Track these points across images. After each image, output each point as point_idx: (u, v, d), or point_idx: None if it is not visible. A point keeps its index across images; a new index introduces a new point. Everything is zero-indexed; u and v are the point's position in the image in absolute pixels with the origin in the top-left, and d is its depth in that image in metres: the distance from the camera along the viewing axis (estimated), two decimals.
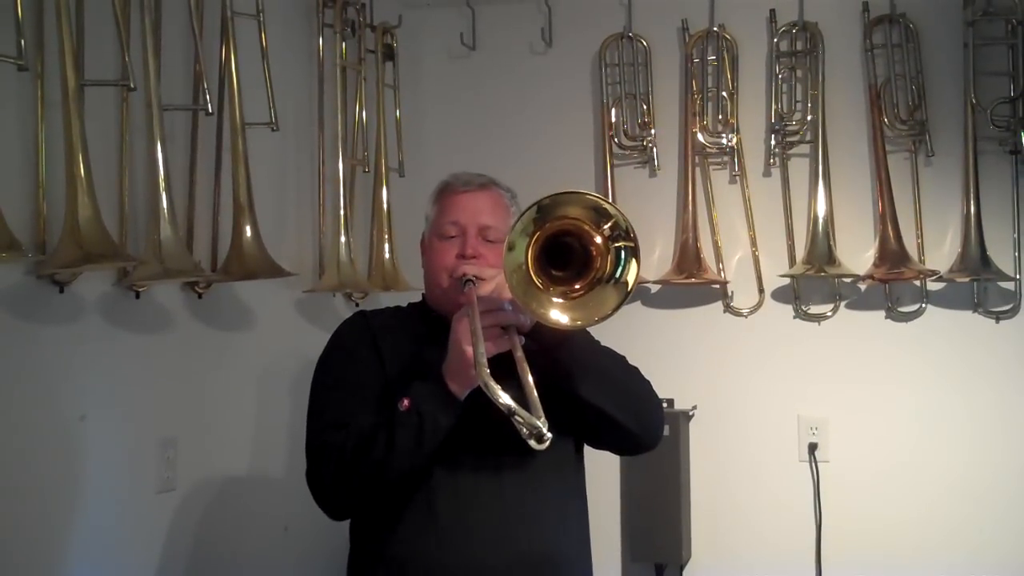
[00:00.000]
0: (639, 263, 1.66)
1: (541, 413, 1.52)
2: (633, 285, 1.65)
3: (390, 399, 1.77)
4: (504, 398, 1.51)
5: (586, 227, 1.64)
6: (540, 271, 1.65)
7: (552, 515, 1.87)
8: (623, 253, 1.65)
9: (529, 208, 1.61)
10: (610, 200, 1.71)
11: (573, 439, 1.96)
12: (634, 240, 1.64)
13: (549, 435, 1.50)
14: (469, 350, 1.65)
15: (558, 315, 1.64)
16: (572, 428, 1.89)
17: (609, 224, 1.64)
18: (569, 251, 1.67)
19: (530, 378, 1.61)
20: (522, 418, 1.50)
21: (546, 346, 1.73)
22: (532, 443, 1.50)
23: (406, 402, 1.72)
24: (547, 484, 1.86)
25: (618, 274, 1.65)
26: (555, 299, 1.65)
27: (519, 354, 1.66)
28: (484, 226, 1.89)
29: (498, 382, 1.56)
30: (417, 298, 2.07)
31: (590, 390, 1.81)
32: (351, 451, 1.76)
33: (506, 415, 1.51)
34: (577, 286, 1.66)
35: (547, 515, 1.85)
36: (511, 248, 1.61)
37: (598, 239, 1.65)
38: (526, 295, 1.63)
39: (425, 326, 1.94)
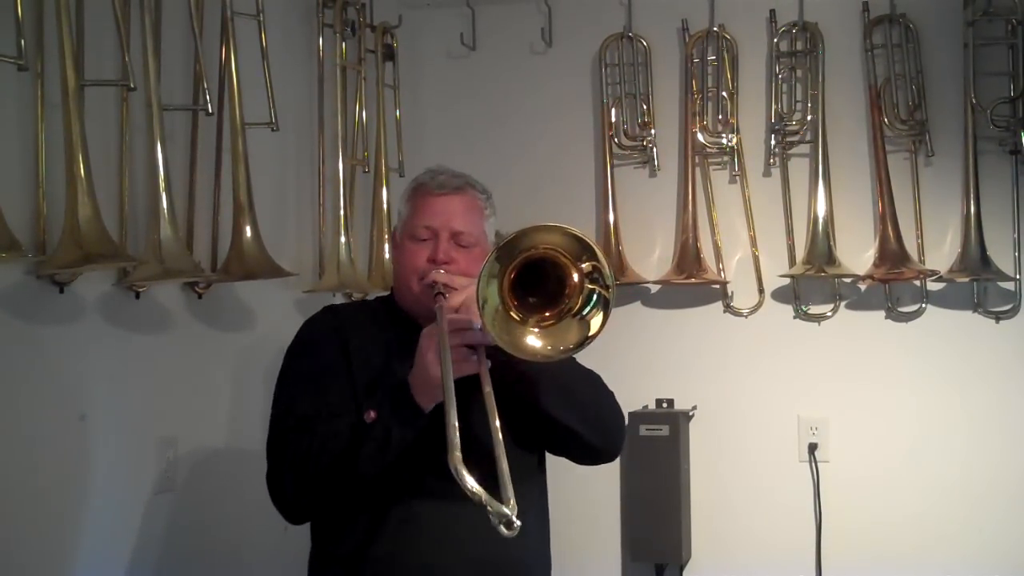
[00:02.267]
0: (607, 315, 1.63)
1: (510, 490, 1.47)
2: (596, 333, 1.63)
3: (356, 404, 1.77)
4: (472, 484, 1.44)
5: (563, 258, 1.63)
6: (516, 301, 1.63)
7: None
8: (595, 297, 1.63)
9: (490, 255, 1.60)
10: (595, 241, 1.69)
11: (536, 451, 1.95)
12: (610, 290, 1.62)
13: (518, 523, 1.45)
14: (434, 370, 1.64)
15: (533, 340, 1.63)
16: (535, 440, 1.90)
17: (591, 264, 1.62)
18: (543, 276, 1.65)
19: (497, 422, 1.59)
20: (492, 508, 1.45)
21: (512, 359, 1.68)
22: (502, 530, 1.45)
23: (372, 414, 1.71)
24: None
25: (585, 312, 1.63)
26: (531, 328, 1.64)
27: (488, 389, 1.64)
28: (457, 231, 1.87)
29: (462, 402, 1.55)
30: None
31: (555, 404, 1.80)
32: (314, 458, 1.74)
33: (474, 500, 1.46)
34: (548, 314, 1.65)
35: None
36: (484, 301, 1.59)
37: (575, 274, 1.63)
38: (508, 333, 1.61)
39: (393, 326, 1.92)
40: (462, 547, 1.79)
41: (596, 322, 1.63)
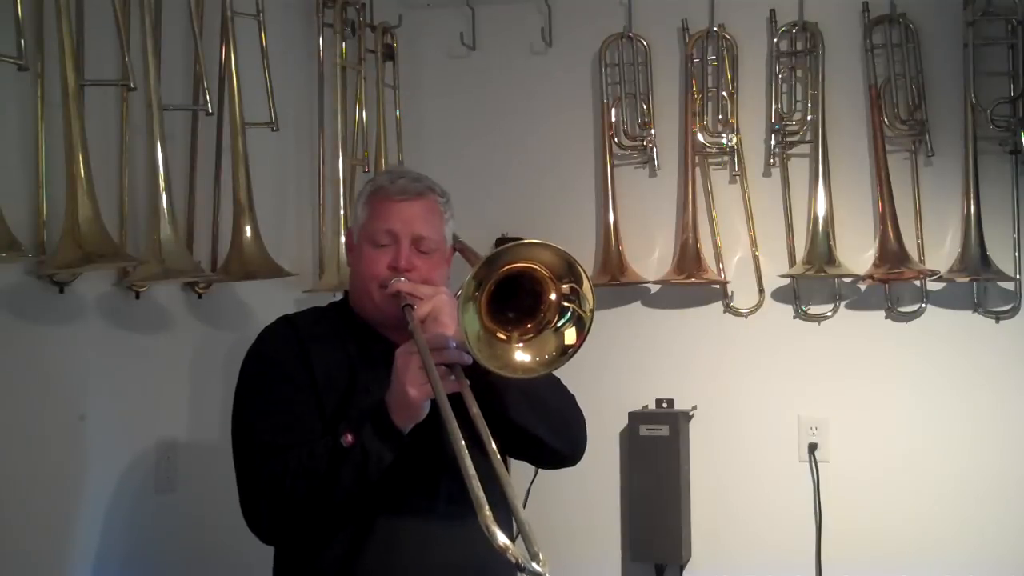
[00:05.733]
0: (581, 331, 1.63)
1: (536, 543, 1.45)
2: (575, 345, 1.63)
3: (324, 422, 1.75)
4: (503, 540, 1.42)
5: (541, 273, 1.61)
6: (496, 320, 1.62)
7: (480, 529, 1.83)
8: (568, 313, 1.63)
9: (467, 279, 1.58)
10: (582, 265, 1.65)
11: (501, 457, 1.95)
12: (588, 312, 1.62)
13: None
14: (414, 392, 1.62)
15: (521, 355, 1.63)
16: (500, 447, 1.85)
17: (570, 286, 1.62)
18: (519, 289, 1.63)
19: (493, 444, 1.58)
20: (524, 566, 1.42)
21: (479, 369, 1.65)
22: None
23: (349, 437, 1.66)
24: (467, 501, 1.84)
25: (560, 324, 1.63)
26: (516, 344, 1.63)
27: (475, 410, 1.62)
28: (419, 236, 1.83)
29: (432, 422, 1.55)
30: None
31: (523, 413, 1.79)
32: (290, 484, 1.70)
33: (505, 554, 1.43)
34: (528, 326, 1.64)
35: (476, 528, 1.66)
36: (466, 328, 1.57)
37: (552, 293, 1.62)
38: (496, 356, 1.61)
39: (352, 336, 1.88)
40: (444, 561, 1.77)
41: (571, 335, 1.63)
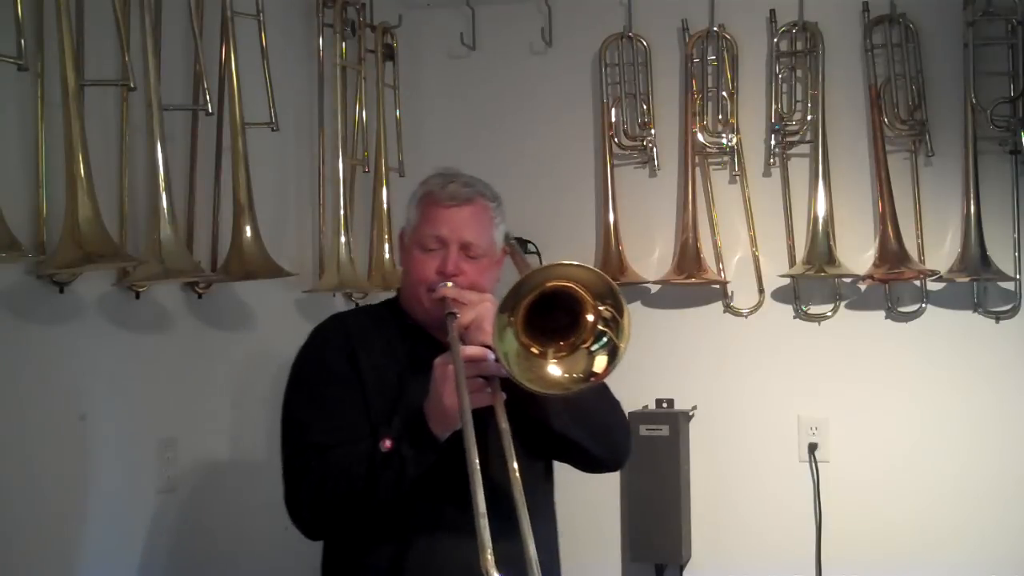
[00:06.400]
0: (611, 362, 1.63)
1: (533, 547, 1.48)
2: (602, 373, 1.64)
3: (370, 422, 1.78)
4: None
5: (577, 292, 1.62)
6: (532, 334, 1.63)
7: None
8: (604, 339, 1.63)
9: (505, 296, 1.60)
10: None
11: (543, 458, 1.96)
12: (621, 344, 1.62)
13: None
14: (449, 402, 1.64)
15: (554, 369, 1.64)
16: (541, 449, 1.90)
17: (612, 312, 1.62)
18: (557, 306, 1.64)
19: (515, 463, 1.59)
20: None
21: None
22: None
23: (388, 443, 1.71)
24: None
25: (593, 348, 1.64)
26: (551, 360, 1.65)
27: (504, 425, 1.64)
28: (467, 243, 1.86)
29: (478, 435, 1.55)
30: None
31: (565, 423, 1.81)
32: (331, 484, 1.77)
33: None
34: (562, 343, 1.65)
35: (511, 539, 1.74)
36: (505, 351, 1.59)
37: (590, 314, 1.63)
38: (531, 370, 1.62)
39: (403, 336, 1.91)
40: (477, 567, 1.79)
41: (600, 362, 1.63)
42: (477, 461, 1.53)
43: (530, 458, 1.85)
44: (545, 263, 1.63)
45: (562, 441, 1.85)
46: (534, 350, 1.64)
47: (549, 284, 1.61)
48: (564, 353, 1.65)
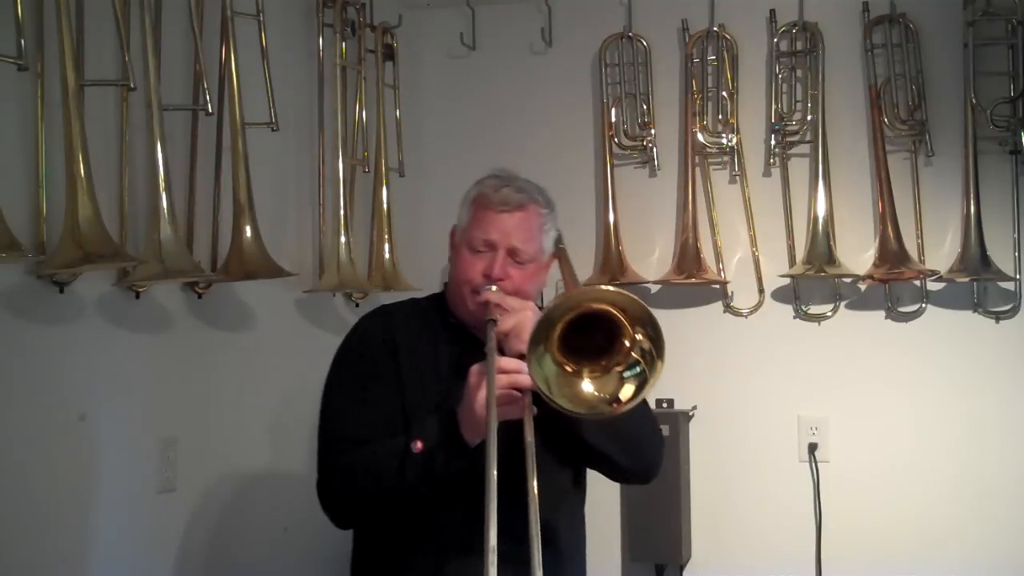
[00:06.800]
0: (638, 392, 1.64)
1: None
2: (627, 401, 1.65)
3: (404, 417, 1.81)
4: None
5: (615, 315, 1.63)
6: (568, 352, 1.64)
7: (549, 545, 1.85)
8: (637, 368, 1.64)
9: (533, 343, 1.60)
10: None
11: (573, 465, 1.97)
12: (652, 377, 1.63)
13: None
14: (481, 412, 1.65)
15: (587, 386, 1.65)
16: (572, 459, 1.92)
17: (650, 344, 1.63)
18: (594, 326, 1.65)
19: (535, 481, 1.59)
20: None
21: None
22: None
23: (419, 444, 1.73)
24: (545, 513, 1.85)
25: (624, 374, 1.65)
26: (585, 378, 1.66)
27: (530, 439, 1.65)
28: (515, 249, 1.88)
29: (503, 445, 1.55)
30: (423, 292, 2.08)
31: (594, 433, 1.82)
32: (361, 476, 1.80)
33: None
34: (600, 363, 1.66)
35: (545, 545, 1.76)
36: (545, 376, 1.60)
37: (627, 339, 1.64)
38: (568, 388, 1.63)
39: (446, 333, 1.94)
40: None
41: (627, 391, 1.64)
42: (495, 472, 1.52)
43: (560, 465, 1.89)
44: (582, 286, 1.65)
45: (592, 451, 1.87)
46: (569, 368, 1.65)
47: (586, 307, 1.62)
48: (598, 373, 1.66)
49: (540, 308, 1.91)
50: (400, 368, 1.89)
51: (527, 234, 1.89)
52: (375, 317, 2.02)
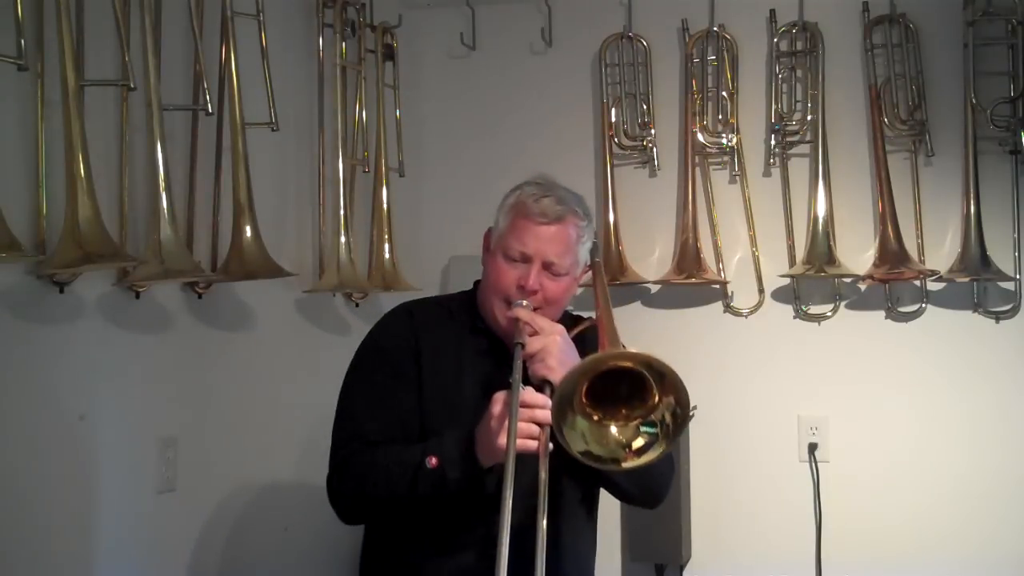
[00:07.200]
0: (646, 451, 1.66)
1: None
2: (641, 464, 1.66)
3: (420, 421, 1.83)
4: None
5: (646, 377, 1.64)
6: (595, 403, 1.65)
7: (558, 552, 1.86)
8: (654, 431, 1.66)
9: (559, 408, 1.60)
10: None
11: (582, 487, 1.97)
12: (667, 441, 1.65)
13: None
14: (500, 440, 1.64)
15: (613, 430, 1.66)
16: (584, 478, 1.91)
17: (674, 410, 1.67)
18: (621, 380, 1.65)
19: (544, 521, 1.58)
20: None
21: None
22: None
23: (433, 460, 1.73)
24: (556, 524, 1.86)
25: (641, 428, 1.66)
26: (608, 423, 1.66)
27: (544, 475, 1.64)
28: (550, 262, 1.86)
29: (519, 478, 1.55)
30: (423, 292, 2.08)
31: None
32: (371, 483, 1.81)
33: None
34: (623, 412, 1.67)
35: (554, 552, 1.78)
36: (581, 442, 1.61)
37: (655, 398, 1.66)
38: (598, 443, 1.64)
39: (471, 334, 1.93)
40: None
41: (638, 443, 1.65)
42: (510, 502, 1.52)
43: (575, 480, 1.90)
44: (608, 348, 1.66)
45: (604, 482, 1.90)
46: (595, 417, 1.65)
47: (612, 364, 1.61)
48: (621, 422, 1.66)
49: (569, 317, 1.94)
50: (421, 371, 1.88)
51: (563, 247, 1.87)
52: (399, 316, 1.99)
